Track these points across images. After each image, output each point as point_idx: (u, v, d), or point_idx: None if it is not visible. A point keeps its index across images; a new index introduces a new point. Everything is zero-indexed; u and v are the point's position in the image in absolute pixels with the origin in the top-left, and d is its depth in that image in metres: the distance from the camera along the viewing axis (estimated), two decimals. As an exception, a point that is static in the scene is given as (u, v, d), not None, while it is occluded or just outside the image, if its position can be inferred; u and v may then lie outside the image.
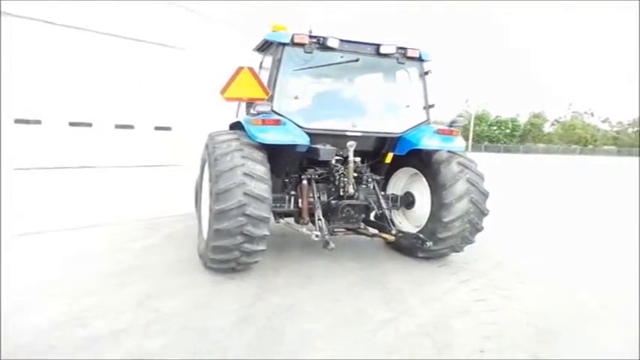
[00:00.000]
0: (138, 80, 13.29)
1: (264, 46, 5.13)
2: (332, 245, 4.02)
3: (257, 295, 3.89)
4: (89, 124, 12.42)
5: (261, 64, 5.31)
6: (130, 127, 13.56)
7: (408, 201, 5.27)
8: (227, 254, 3.99)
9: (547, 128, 74.40)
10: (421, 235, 4.65)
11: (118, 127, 13.15)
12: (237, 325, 3.28)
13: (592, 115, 72.82)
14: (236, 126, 4.83)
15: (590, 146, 65.66)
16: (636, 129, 68.70)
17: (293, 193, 4.83)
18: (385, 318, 3.54)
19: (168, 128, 14.52)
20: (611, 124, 72.05)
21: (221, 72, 16.16)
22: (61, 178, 10.30)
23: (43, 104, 11.08)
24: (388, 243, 5.27)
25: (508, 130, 69.22)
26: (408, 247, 5.08)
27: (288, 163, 4.70)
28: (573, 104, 77.43)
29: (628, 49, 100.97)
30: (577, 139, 67.27)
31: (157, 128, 14.19)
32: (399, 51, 4.87)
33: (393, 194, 5.37)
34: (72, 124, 11.87)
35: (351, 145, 4.47)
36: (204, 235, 4.39)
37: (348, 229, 4.83)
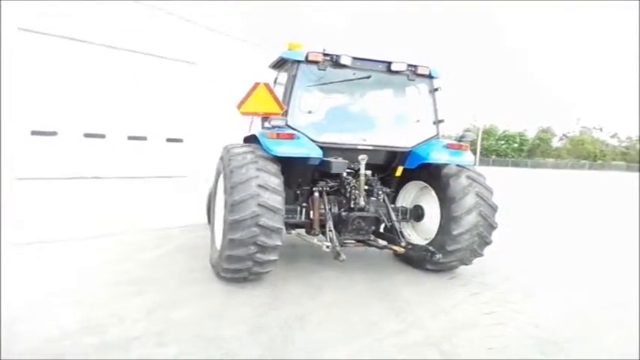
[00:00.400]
0: (149, 93, 13.60)
1: (280, 63, 5.30)
2: (343, 257, 4.09)
3: (269, 304, 3.95)
4: (102, 136, 12.73)
5: (275, 79, 5.49)
6: (143, 138, 13.85)
7: (417, 214, 5.33)
8: (240, 264, 4.08)
9: (555, 143, 74.13)
10: (430, 248, 4.70)
11: (130, 138, 13.45)
12: (249, 335, 3.33)
13: (601, 130, 72.61)
14: (251, 139, 4.96)
15: (600, 161, 65.21)
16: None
17: (304, 204, 4.95)
18: (394, 329, 3.58)
19: (179, 140, 14.80)
20: (620, 140, 71.77)
21: (231, 85, 16.43)
22: (74, 188, 10.49)
23: (57, 116, 11.38)
24: (397, 255, 5.35)
25: (516, 145, 69.07)
26: (416, 259, 5.13)
27: (300, 176, 4.82)
28: (582, 119, 77.02)
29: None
30: (586, 154, 66.88)
31: (169, 140, 14.48)
32: (410, 68, 5.01)
33: (402, 207, 5.45)
34: (86, 135, 12.17)
35: (363, 159, 4.60)
36: (217, 245, 4.48)
37: (358, 241, 4.90)
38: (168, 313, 3.64)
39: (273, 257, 4.12)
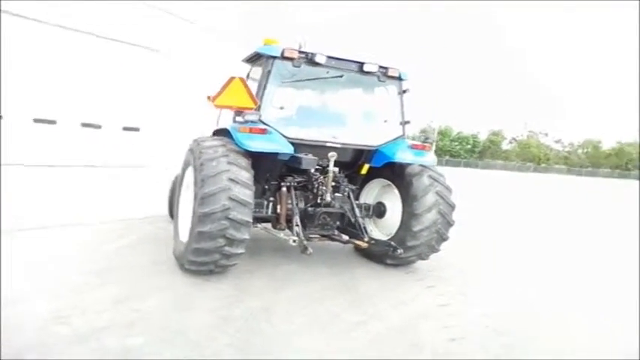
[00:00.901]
0: (106, 79, 13.06)
1: (254, 58, 5.27)
2: (310, 250, 4.23)
3: (234, 296, 4.02)
4: (53, 122, 12.12)
5: (248, 74, 5.46)
6: (97, 126, 13.31)
7: (379, 210, 5.52)
8: (207, 257, 4.10)
9: (505, 146, 77.57)
10: (392, 243, 4.90)
11: (84, 125, 12.89)
12: (216, 326, 3.40)
13: (546, 135, 76.65)
14: (220, 133, 4.98)
15: (544, 165, 68.98)
16: (586, 150, 72.97)
17: (272, 199, 5.00)
18: (357, 320, 3.76)
19: (136, 129, 14.34)
20: (564, 145, 76.16)
21: (194, 75, 16.11)
22: (25, 177, 9.98)
23: (4, 101, 10.76)
24: (358, 250, 5.53)
25: (469, 146, 71.70)
26: (377, 254, 5.32)
27: (269, 170, 4.86)
28: (529, 124, 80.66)
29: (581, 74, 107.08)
30: (532, 157, 70.53)
31: (126, 129, 14.00)
32: (381, 70, 5.14)
33: (365, 203, 5.59)
34: (36, 120, 11.57)
35: (332, 156, 4.71)
36: (182, 237, 4.49)
37: (323, 236, 5.01)
38: (134, 304, 3.63)
39: (240, 250, 4.17)
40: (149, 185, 11.35)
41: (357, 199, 5.62)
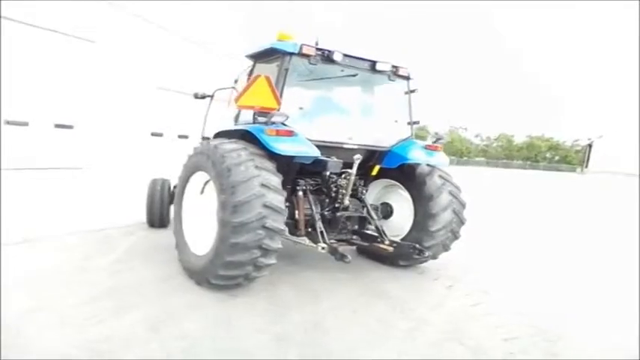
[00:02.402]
0: (35, 72, 11.68)
1: (265, 54, 4.82)
2: (349, 258, 4.02)
3: (273, 310, 3.74)
4: None
5: (251, 70, 5.08)
6: (24, 124, 11.84)
7: (386, 211, 5.41)
8: (240, 270, 3.75)
9: (428, 140, 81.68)
10: (416, 245, 4.68)
11: (9, 123, 11.39)
12: (276, 344, 3.11)
13: (466, 129, 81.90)
14: (222, 135, 4.68)
15: (465, 158, 73.71)
16: (501, 143, 79.02)
17: (287, 204, 4.47)
18: (408, 327, 3.65)
19: (69, 127, 12.98)
20: (482, 139, 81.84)
21: (135, 68, 15.00)
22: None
23: None
24: (364, 252, 5.43)
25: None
26: (391, 256, 5.02)
27: (288, 174, 4.46)
28: (450, 119, 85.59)
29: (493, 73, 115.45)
30: (454, 151, 75.05)
31: (58, 126, 12.60)
32: (393, 68, 4.99)
33: (372, 204, 5.36)
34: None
35: (358, 159, 4.44)
36: (195, 250, 4.17)
37: (341, 241, 4.77)
38: (172, 329, 3.20)
39: (272, 261, 3.86)
40: (104, 190, 10.33)
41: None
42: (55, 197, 8.48)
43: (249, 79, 4.81)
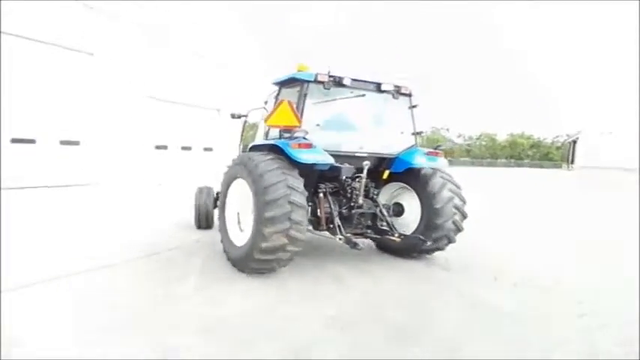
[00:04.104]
0: (38, 88, 11.91)
1: (288, 82, 5.80)
2: (361, 245, 4.95)
3: (308, 300, 4.26)
4: None
5: (277, 95, 5.99)
6: (31, 141, 12.06)
7: (397, 210, 6.15)
8: (272, 254, 4.62)
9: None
10: (421, 237, 5.48)
11: (15, 141, 11.59)
12: (340, 331, 3.54)
13: (448, 130, 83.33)
14: (255, 148, 5.71)
15: (449, 158, 74.97)
16: (483, 142, 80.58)
17: (310, 204, 5.34)
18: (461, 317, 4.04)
19: (76, 143, 13.20)
20: (465, 139, 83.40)
21: (134, 80, 15.19)
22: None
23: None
24: (379, 247, 6.32)
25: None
26: (401, 248, 5.84)
27: (310, 179, 5.25)
28: (432, 120, 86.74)
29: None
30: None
31: (63, 142, 12.82)
32: (395, 88, 5.89)
33: (385, 204, 6.10)
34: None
35: (367, 164, 5.44)
36: (237, 242, 5.11)
37: (356, 234, 5.56)
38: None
39: (298, 248, 4.72)
40: (127, 205, 10.56)
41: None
42: (78, 215, 8.75)
43: (275, 102, 5.73)
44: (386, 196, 6.32)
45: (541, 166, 64.40)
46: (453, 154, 76.19)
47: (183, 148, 17.69)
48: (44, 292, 4.13)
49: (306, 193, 4.77)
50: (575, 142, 49.76)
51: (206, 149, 18.84)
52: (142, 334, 3.30)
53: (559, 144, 73.32)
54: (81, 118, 13.17)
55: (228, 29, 19.24)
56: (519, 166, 66.81)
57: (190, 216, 7.48)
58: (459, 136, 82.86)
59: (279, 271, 5.02)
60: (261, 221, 4.52)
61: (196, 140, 18.27)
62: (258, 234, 4.56)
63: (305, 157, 4.89)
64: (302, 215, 4.62)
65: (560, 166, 59.98)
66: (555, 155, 72.55)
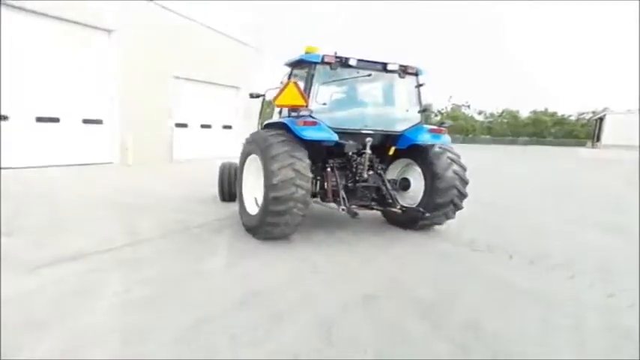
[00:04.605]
0: (59, 67, 12.06)
1: (298, 63, 6.06)
2: (358, 214, 5.44)
3: (332, 274, 4.32)
4: (5, 118, 11.04)
5: (289, 75, 6.28)
6: (55, 120, 12.30)
7: (404, 185, 6.44)
8: (280, 217, 5.03)
9: (432, 119, 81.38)
10: (421, 209, 5.87)
11: (39, 120, 11.84)
12: (364, 303, 3.62)
13: (469, 107, 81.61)
14: (269, 126, 6.00)
15: (470, 135, 73.66)
16: (505, 120, 78.82)
17: (318, 178, 6.00)
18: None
19: (99, 121, 13.41)
20: (486, 116, 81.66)
21: (154, 56, 15.14)
22: None
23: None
24: (388, 218, 6.68)
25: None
26: (406, 220, 6.21)
27: (316, 154, 5.67)
28: (453, 97, 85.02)
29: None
30: (460, 129, 74.93)
31: (86, 121, 13.03)
32: (401, 67, 6.06)
33: (392, 179, 6.46)
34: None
35: (369, 141, 5.77)
36: (250, 211, 5.63)
37: (362, 206, 6.03)
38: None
39: (304, 212, 5.12)
40: (158, 181, 10.71)
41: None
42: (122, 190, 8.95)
43: (291, 77, 6.11)
44: (396, 170, 6.61)
45: (564, 144, 62.83)
46: (475, 132, 75.01)
47: (203, 125, 17.84)
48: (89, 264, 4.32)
49: (308, 161, 5.16)
50: (601, 119, 48.32)
51: (225, 127, 18.94)
52: (178, 306, 3.45)
53: (584, 121, 71.37)
54: (103, 98, 13.36)
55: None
56: (542, 144, 65.30)
57: (213, 192, 7.95)
58: (480, 113, 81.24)
59: (303, 248, 5.17)
60: (269, 188, 4.96)
61: (216, 118, 18.37)
62: (267, 200, 5.00)
63: (309, 134, 5.25)
64: (305, 180, 5.04)
65: (585, 144, 58.50)
66: (580, 133, 70.65)
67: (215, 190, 7.93)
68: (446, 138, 6.12)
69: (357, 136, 5.83)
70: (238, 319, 3.25)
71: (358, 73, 5.88)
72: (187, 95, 16.55)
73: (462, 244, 5.67)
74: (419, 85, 6.32)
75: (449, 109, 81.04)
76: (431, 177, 5.96)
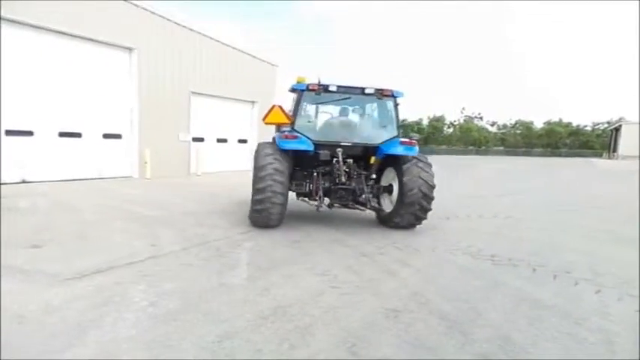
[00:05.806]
0: (80, 84, 12.33)
1: (292, 89, 7.48)
2: (322, 208, 7.00)
3: (354, 288, 4.25)
4: (30, 133, 11.33)
5: (294, 97, 7.50)
6: (77, 135, 12.56)
7: (389, 189, 7.42)
8: (262, 205, 6.36)
9: (445, 130, 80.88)
10: (380, 208, 7.34)
11: (62, 135, 12.10)
12: (388, 317, 3.61)
13: (481, 118, 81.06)
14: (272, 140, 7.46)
15: (483, 147, 73.09)
16: (518, 131, 78.06)
17: (307, 181, 7.28)
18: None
19: (118, 136, 13.65)
20: (499, 127, 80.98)
21: (173, 73, 15.46)
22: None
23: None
24: (379, 218, 7.69)
25: (413, 133, 73.91)
26: (383, 219, 7.44)
27: (305, 163, 7.26)
28: (466, 109, 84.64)
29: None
30: (473, 140, 74.41)
31: (106, 136, 13.28)
32: (378, 91, 7.22)
33: (382, 185, 7.55)
34: (8, 132, 10.73)
35: (339, 151, 6.92)
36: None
37: (341, 204, 7.20)
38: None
39: (280, 201, 6.40)
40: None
41: (377, 182, 7.68)
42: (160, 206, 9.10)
43: (293, 102, 7.46)
44: (388, 177, 7.52)
45: (580, 155, 61.95)
46: (488, 144, 74.41)
47: (219, 140, 18.04)
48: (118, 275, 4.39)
49: (286, 164, 6.57)
50: (617, 129, 47.63)
51: (240, 141, 19.12)
52: (203, 319, 3.45)
53: (599, 131, 70.43)
54: (123, 113, 13.63)
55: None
56: (556, 155, 64.45)
57: (232, 205, 8.62)
58: (493, 124, 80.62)
59: (324, 260, 5.20)
60: (255, 183, 6.39)
61: (232, 132, 18.57)
62: (252, 191, 6.44)
63: (286, 145, 6.71)
64: (281, 176, 6.40)
65: (601, 155, 57.61)
66: (596, 143, 69.72)
67: (233, 203, 8.37)
68: (414, 149, 7.00)
69: (334, 147, 6.98)
70: (262, 333, 3.24)
71: (340, 96, 7.26)
72: (204, 110, 16.80)
73: (482, 258, 5.62)
74: (396, 105, 7.42)
75: (462, 120, 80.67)
76: (402, 183, 6.85)
